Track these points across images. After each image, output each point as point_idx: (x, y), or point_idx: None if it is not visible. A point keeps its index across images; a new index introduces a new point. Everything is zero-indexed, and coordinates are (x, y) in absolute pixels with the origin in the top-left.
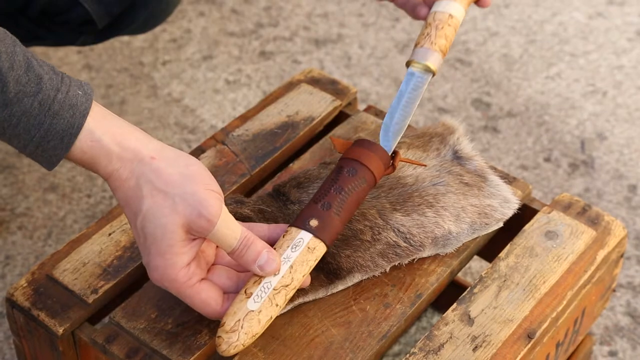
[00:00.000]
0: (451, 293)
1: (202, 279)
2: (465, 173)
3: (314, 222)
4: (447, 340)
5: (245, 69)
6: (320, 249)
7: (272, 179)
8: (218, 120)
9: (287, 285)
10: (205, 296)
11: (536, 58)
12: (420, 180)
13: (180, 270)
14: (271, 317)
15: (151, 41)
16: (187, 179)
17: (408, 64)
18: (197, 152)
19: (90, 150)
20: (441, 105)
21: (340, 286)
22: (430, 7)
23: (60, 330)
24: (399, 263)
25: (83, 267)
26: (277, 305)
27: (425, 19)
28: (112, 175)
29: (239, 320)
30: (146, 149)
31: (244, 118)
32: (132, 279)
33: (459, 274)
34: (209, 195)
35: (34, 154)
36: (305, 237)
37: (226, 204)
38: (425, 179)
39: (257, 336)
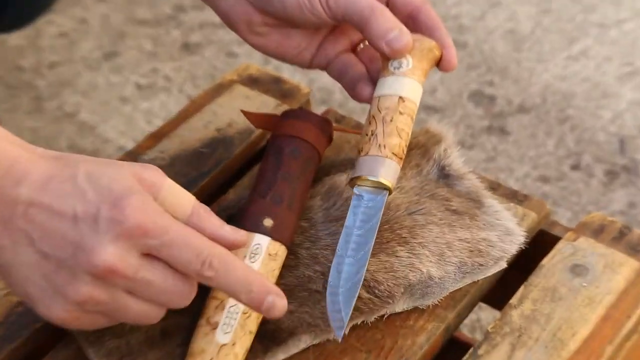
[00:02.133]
0: (449, 356)
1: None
2: (454, 197)
3: (268, 222)
4: None
5: (163, 68)
6: (282, 253)
7: None
8: (127, 140)
9: None
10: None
11: (553, 33)
12: (393, 208)
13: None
14: (247, 349)
15: (32, 38)
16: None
17: (352, 183)
18: None
19: None
20: (429, 103)
21: (280, 355)
22: (374, 85)
23: None
24: (364, 321)
25: None
26: (250, 332)
27: (368, 102)
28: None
29: (212, 359)
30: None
31: (159, 135)
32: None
33: (462, 329)
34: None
35: None
36: (262, 241)
37: None
38: (400, 206)
39: None
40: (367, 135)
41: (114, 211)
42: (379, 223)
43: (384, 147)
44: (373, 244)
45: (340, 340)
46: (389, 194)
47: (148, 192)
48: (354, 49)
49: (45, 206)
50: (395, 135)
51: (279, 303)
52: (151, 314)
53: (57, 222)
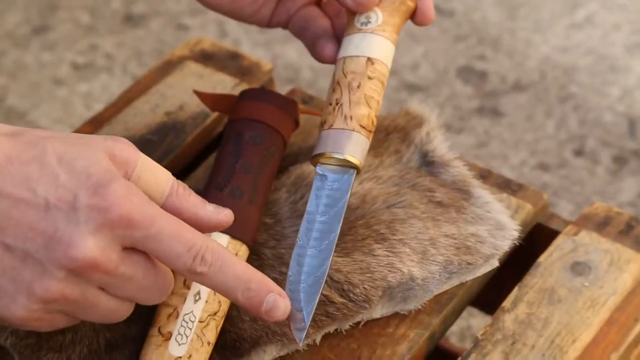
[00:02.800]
0: None
1: None
2: (438, 187)
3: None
4: None
5: (103, 44)
6: (243, 253)
7: None
8: (63, 127)
9: (215, 313)
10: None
11: None
12: (369, 200)
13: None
14: None
15: None
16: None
17: (314, 161)
18: None
19: None
20: (411, 80)
21: None
22: (338, 44)
23: None
24: (338, 329)
25: None
26: (208, 343)
27: (332, 62)
28: None
29: None
30: None
31: (99, 121)
32: None
33: (449, 337)
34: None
35: None
36: (221, 240)
37: None
38: (377, 198)
39: None
40: (330, 104)
41: (95, 198)
42: (345, 208)
43: (351, 118)
44: (339, 232)
45: (300, 344)
46: (357, 174)
47: (121, 170)
48: (318, 2)
49: (6, 192)
50: (363, 105)
51: (281, 303)
52: (121, 311)
53: (22, 211)
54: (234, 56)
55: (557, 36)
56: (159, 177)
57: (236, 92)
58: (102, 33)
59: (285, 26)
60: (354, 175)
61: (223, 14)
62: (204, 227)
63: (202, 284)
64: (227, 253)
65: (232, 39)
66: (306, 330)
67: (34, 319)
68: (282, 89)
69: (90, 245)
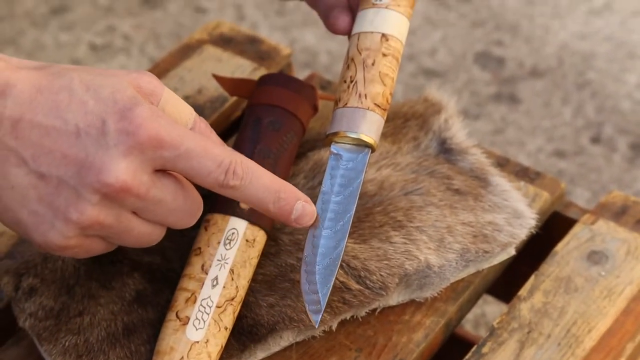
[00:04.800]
0: (451, 355)
1: None
2: (456, 174)
3: (245, 204)
4: None
5: (121, 25)
6: (261, 239)
7: None
8: None
9: (232, 299)
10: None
11: None
12: (387, 187)
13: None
14: (222, 347)
15: None
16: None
17: (328, 141)
18: None
19: None
20: (428, 66)
21: (259, 354)
22: (353, 16)
23: None
24: (354, 316)
25: None
26: (225, 328)
27: (346, 34)
28: None
29: (182, 358)
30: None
31: None
32: None
33: (464, 324)
34: None
35: None
36: (238, 226)
37: None
38: (395, 185)
39: None
40: (345, 82)
41: (123, 122)
42: (359, 187)
43: (365, 97)
44: (354, 212)
45: (316, 326)
46: (372, 153)
47: (148, 100)
48: None
49: (36, 122)
50: (378, 82)
51: (308, 209)
52: (153, 235)
53: (54, 138)
54: (253, 40)
55: (575, 22)
56: (183, 110)
57: (255, 76)
58: (120, 14)
59: None
60: (369, 154)
61: None
62: None
63: (235, 197)
64: (255, 165)
65: (250, 22)
66: (322, 312)
67: (71, 245)
68: (300, 73)
69: (122, 169)
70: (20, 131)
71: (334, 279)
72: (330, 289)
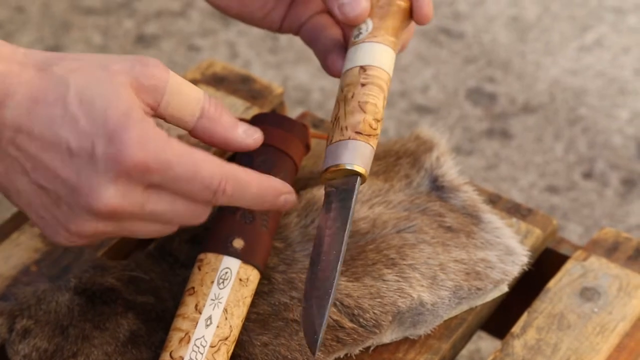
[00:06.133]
0: None
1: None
2: (448, 212)
3: (238, 243)
4: None
5: None
6: (254, 278)
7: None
8: None
9: (226, 338)
10: (202, 155)
11: (563, 20)
12: (379, 225)
13: (163, 133)
14: None
15: None
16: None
17: (323, 181)
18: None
19: None
20: (420, 102)
21: None
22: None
23: None
24: (348, 354)
25: None
26: None
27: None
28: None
29: None
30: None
31: None
32: None
33: None
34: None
35: None
36: (232, 265)
37: (81, 271)
38: (387, 223)
39: None
40: (331, 122)
41: (111, 148)
42: (352, 212)
43: (346, 128)
44: (348, 238)
45: (314, 356)
46: (363, 182)
47: (149, 98)
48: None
49: (34, 135)
50: (357, 112)
51: (290, 199)
52: (166, 230)
53: (49, 155)
54: (246, 79)
55: (566, 59)
56: (190, 99)
57: (247, 115)
58: (115, 53)
59: (296, 33)
60: (358, 181)
61: (233, 17)
62: (233, 149)
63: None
64: (242, 177)
65: (243, 60)
66: (319, 342)
67: (81, 243)
68: (293, 110)
69: (111, 194)
70: (20, 142)
71: (329, 308)
72: (326, 318)
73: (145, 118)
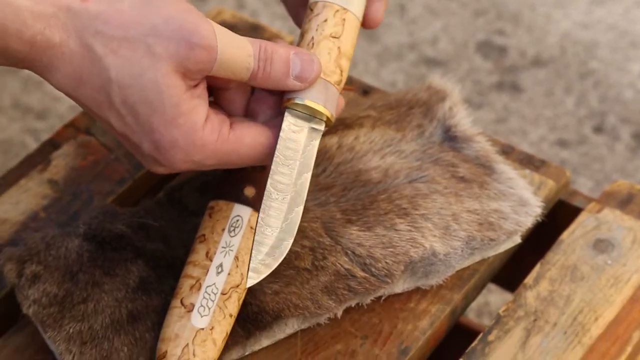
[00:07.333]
0: (455, 343)
1: (232, 123)
2: (461, 162)
3: (249, 191)
4: None
5: None
6: None
7: (169, 183)
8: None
9: (237, 286)
10: (250, 140)
11: None
12: (391, 175)
13: (204, 128)
14: (227, 334)
15: None
16: (147, 7)
17: (283, 106)
18: (47, 149)
19: None
20: (430, 55)
21: (264, 341)
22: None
23: None
24: (359, 303)
25: None
26: (230, 315)
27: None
28: (36, 45)
29: (187, 345)
30: None
31: None
32: None
33: (468, 313)
34: (189, 15)
35: None
36: (243, 213)
37: (90, 218)
38: (399, 172)
39: None
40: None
41: (157, 155)
42: (313, 159)
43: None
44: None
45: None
46: (326, 127)
47: (198, 75)
48: None
49: (83, 105)
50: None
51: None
52: None
53: (101, 120)
54: (255, 28)
55: (577, 11)
56: (238, 63)
57: None
58: None
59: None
60: (322, 128)
61: None
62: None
63: None
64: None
65: (251, 10)
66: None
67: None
68: None
69: (162, 170)
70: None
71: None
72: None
73: (192, 110)
